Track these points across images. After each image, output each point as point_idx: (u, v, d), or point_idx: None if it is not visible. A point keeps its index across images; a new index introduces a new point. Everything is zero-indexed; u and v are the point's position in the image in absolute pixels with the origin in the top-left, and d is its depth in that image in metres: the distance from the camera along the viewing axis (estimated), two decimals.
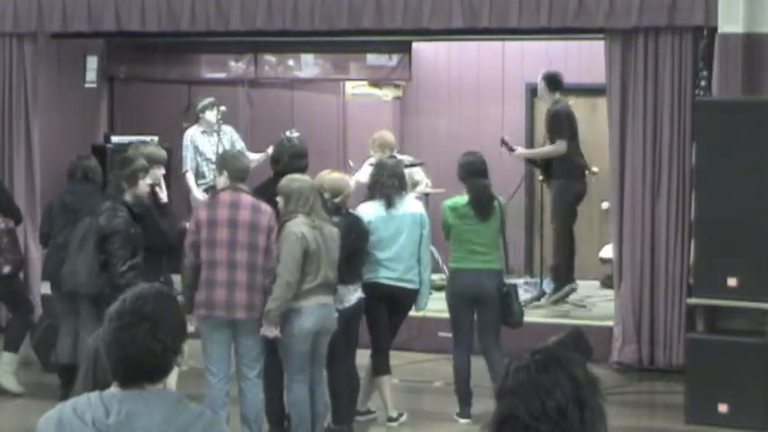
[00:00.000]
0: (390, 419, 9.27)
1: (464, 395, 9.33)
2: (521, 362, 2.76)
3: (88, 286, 8.69)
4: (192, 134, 12.77)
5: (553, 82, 12.25)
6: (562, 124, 12.04)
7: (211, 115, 12.74)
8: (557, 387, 2.70)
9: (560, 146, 11.97)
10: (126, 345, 3.36)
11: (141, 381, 3.38)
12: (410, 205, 9.25)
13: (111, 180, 9.04)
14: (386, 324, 9.14)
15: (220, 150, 12.16)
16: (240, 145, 12.64)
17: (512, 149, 12.25)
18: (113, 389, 3.41)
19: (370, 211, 9.09)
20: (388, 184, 9.08)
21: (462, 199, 9.32)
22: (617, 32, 10.62)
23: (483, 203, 9.26)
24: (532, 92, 14.40)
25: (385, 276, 9.01)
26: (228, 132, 12.88)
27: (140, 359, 3.36)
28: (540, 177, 12.61)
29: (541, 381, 2.71)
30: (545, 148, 12.37)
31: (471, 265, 9.24)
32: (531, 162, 12.79)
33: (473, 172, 9.32)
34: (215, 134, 12.73)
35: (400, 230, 9.07)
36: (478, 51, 14.26)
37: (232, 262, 8.02)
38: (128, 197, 8.80)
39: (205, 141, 12.73)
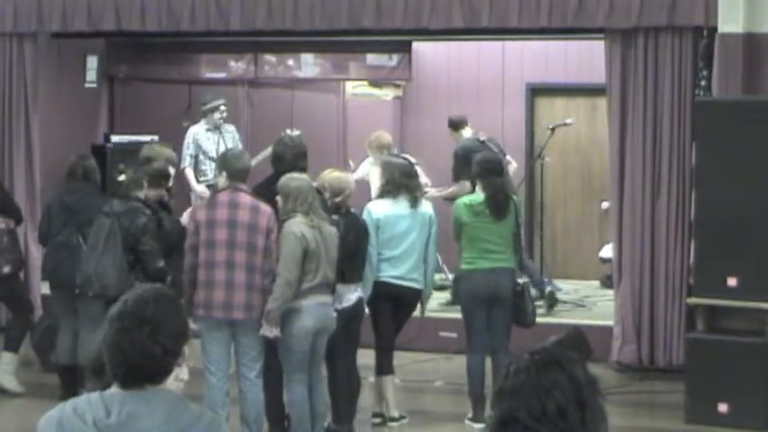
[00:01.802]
0: (392, 419, 9.25)
1: (479, 399, 9.19)
2: (520, 363, 2.75)
3: (117, 288, 8.55)
4: (196, 131, 12.90)
5: (452, 124, 12.47)
6: (458, 163, 11.94)
7: (215, 117, 12.83)
8: (557, 388, 2.70)
9: (463, 186, 11.37)
10: (126, 348, 3.36)
11: (142, 382, 3.38)
12: (422, 205, 9.25)
13: (130, 176, 8.97)
14: (390, 323, 9.12)
15: (222, 149, 12.18)
16: (240, 146, 12.65)
17: None
18: (114, 389, 3.40)
19: (379, 209, 9.08)
20: (412, 185, 9.12)
21: (478, 197, 9.22)
22: (617, 32, 10.62)
23: (499, 202, 9.17)
24: (532, 92, 14.44)
25: (389, 275, 8.99)
26: (231, 131, 12.96)
27: (140, 362, 3.36)
28: None
29: (541, 381, 2.70)
30: (449, 189, 12.22)
31: (485, 265, 9.11)
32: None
33: (490, 170, 9.24)
34: (218, 132, 12.81)
35: (411, 229, 9.05)
36: (478, 51, 14.27)
37: (230, 262, 8.01)
38: (141, 194, 8.78)
39: (209, 139, 12.81)
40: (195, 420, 3.39)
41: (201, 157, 12.75)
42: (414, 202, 9.10)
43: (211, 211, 8.12)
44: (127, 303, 3.42)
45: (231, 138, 12.87)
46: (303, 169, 8.65)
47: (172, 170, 9.49)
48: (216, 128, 12.83)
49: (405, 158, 10.04)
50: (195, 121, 13.15)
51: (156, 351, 3.35)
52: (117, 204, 8.76)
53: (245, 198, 8.14)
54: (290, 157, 8.73)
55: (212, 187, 11.95)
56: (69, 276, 9.28)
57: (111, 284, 8.58)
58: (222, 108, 12.92)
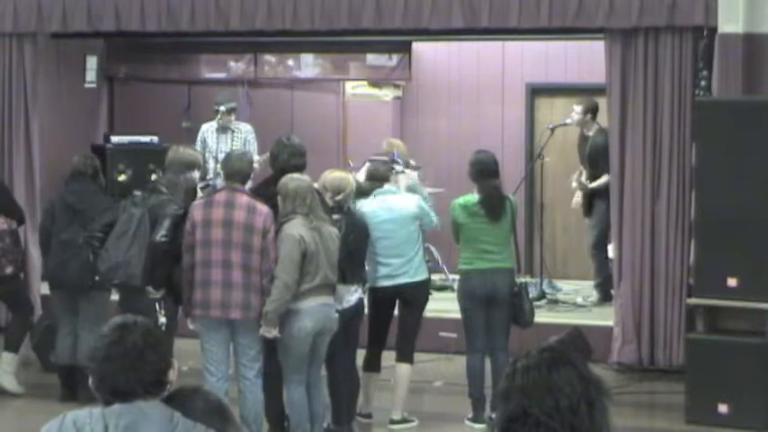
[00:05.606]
0: (393, 421, 9.22)
1: (479, 399, 9.18)
2: (529, 360, 2.75)
3: (142, 279, 8.54)
4: (206, 129, 12.82)
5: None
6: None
7: (217, 117, 12.72)
8: (568, 384, 2.70)
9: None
10: (117, 357, 3.41)
11: (140, 395, 3.42)
12: (405, 202, 9.13)
13: (171, 178, 8.90)
14: (379, 325, 9.08)
15: (229, 149, 12.10)
16: (252, 146, 12.59)
17: None
18: (116, 405, 3.44)
19: (367, 206, 9.09)
20: (374, 187, 9.12)
21: (473, 198, 9.20)
22: (617, 32, 10.62)
23: (494, 204, 9.15)
24: (532, 92, 14.43)
25: (383, 275, 8.96)
26: (244, 131, 12.81)
27: (135, 370, 3.40)
28: None
29: (554, 378, 2.71)
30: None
31: (483, 266, 9.10)
32: None
33: (484, 172, 9.20)
34: (229, 131, 12.72)
35: (397, 225, 8.99)
36: (478, 51, 14.26)
37: (227, 262, 8.01)
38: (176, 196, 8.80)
39: (217, 138, 12.70)
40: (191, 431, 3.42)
41: (207, 155, 12.67)
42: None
43: (207, 210, 8.13)
44: (111, 323, 3.51)
45: (242, 138, 12.68)
46: (300, 167, 8.59)
47: (197, 174, 9.31)
48: (225, 128, 12.74)
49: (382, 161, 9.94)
50: (198, 122, 13.08)
51: (150, 356, 3.42)
52: (146, 197, 8.72)
53: (242, 198, 8.14)
54: (286, 156, 8.69)
55: (209, 187, 11.93)
56: (74, 275, 9.29)
57: (138, 274, 8.54)
58: (222, 110, 12.77)
